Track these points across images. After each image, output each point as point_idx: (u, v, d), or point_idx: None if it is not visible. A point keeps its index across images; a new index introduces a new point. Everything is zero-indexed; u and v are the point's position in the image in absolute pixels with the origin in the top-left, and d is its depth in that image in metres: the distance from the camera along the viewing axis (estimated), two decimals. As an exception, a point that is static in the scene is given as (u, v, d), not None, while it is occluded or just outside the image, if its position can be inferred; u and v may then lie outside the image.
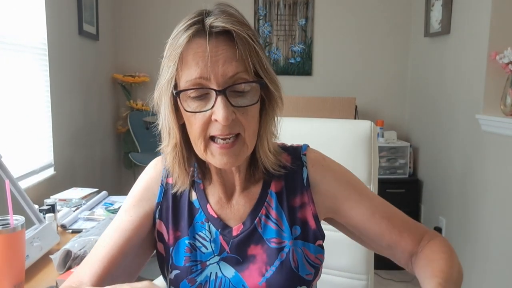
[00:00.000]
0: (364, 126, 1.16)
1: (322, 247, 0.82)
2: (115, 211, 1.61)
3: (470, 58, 2.43)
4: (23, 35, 2.03)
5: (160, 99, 0.74)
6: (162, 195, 0.83)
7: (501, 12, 2.18)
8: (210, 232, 0.80)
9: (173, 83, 0.71)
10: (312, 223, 0.80)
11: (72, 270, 1.10)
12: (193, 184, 0.83)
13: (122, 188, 3.40)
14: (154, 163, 0.87)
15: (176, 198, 0.83)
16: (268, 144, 0.77)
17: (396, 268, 3.02)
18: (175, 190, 0.82)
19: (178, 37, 0.70)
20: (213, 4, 0.74)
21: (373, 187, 1.16)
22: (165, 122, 0.74)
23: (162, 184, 0.84)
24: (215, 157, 0.72)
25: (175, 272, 0.80)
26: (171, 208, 0.82)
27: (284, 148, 0.84)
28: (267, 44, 3.41)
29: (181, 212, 0.82)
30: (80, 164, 2.70)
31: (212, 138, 0.71)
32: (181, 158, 0.77)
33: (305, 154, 0.82)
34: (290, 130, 1.01)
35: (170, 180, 0.84)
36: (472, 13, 2.40)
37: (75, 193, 1.83)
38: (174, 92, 0.71)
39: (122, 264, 0.78)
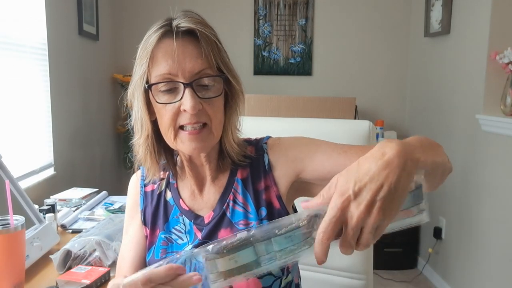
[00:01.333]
0: (362, 126, 1.16)
1: None
2: (115, 211, 1.62)
3: (470, 58, 2.43)
4: (23, 35, 2.03)
5: (133, 95, 0.81)
6: (143, 202, 0.92)
7: (501, 12, 2.18)
8: (184, 224, 0.87)
9: (145, 78, 0.78)
10: (276, 204, 0.84)
11: (72, 270, 1.10)
12: (168, 185, 0.91)
13: (122, 188, 3.39)
14: (133, 180, 0.97)
15: (154, 201, 0.91)
16: (232, 135, 0.84)
17: (396, 268, 3.04)
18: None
19: (148, 39, 0.79)
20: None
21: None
22: (138, 115, 0.81)
23: (141, 194, 0.93)
24: (184, 143, 0.78)
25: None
26: (152, 212, 0.90)
27: (249, 141, 0.91)
28: (267, 44, 3.41)
29: (159, 212, 0.90)
30: (80, 164, 2.70)
31: (181, 127, 0.78)
32: (152, 149, 0.84)
33: (266, 143, 0.89)
34: (290, 130, 1.01)
35: (147, 189, 0.93)
36: (472, 13, 2.40)
37: (75, 193, 1.83)
38: (146, 86, 0.78)
39: None
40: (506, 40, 2.15)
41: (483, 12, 2.26)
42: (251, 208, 0.84)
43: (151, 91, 0.78)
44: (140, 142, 0.83)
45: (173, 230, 0.87)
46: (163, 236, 0.87)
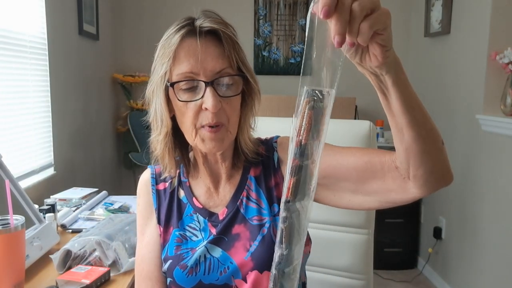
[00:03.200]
0: (363, 126, 1.16)
1: None
2: (115, 211, 1.61)
3: (470, 58, 2.43)
4: (23, 35, 2.03)
5: (154, 93, 0.83)
6: (156, 201, 0.93)
7: (501, 12, 2.18)
8: (199, 222, 0.89)
9: (167, 77, 0.79)
10: None
11: (72, 270, 1.10)
12: (180, 184, 0.93)
13: (122, 188, 3.40)
14: (143, 179, 0.96)
15: (167, 199, 0.92)
16: (247, 133, 0.87)
17: (396, 268, 3.04)
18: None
19: (171, 37, 0.79)
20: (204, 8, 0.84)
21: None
22: (158, 112, 0.83)
23: (153, 192, 0.94)
24: (204, 142, 0.80)
25: (168, 262, 0.86)
26: (165, 210, 0.91)
27: (260, 141, 0.94)
28: (267, 44, 3.41)
29: (173, 209, 0.91)
30: (80, 164, 2.70)
31: (201, 126, 0.80)
32: (171, 146, 0.86)
33: (276, 141, 0.92)
34: (290, 130, 1.01)
35: (160, 187, 0.94)
36: (472, 13, 2.40)
37: (75, 193, 1.83)
38: (169, 84, 0.79)
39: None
40: (506, 40, 2.15)
41: (483, 12, 2.26)
42: (265, 204, 0.86)
43: (173, 89, 0.79)
44: (159, 139, 0.85)
45: (187, 228, 0.89)
46: (177, 233, 0.88)
